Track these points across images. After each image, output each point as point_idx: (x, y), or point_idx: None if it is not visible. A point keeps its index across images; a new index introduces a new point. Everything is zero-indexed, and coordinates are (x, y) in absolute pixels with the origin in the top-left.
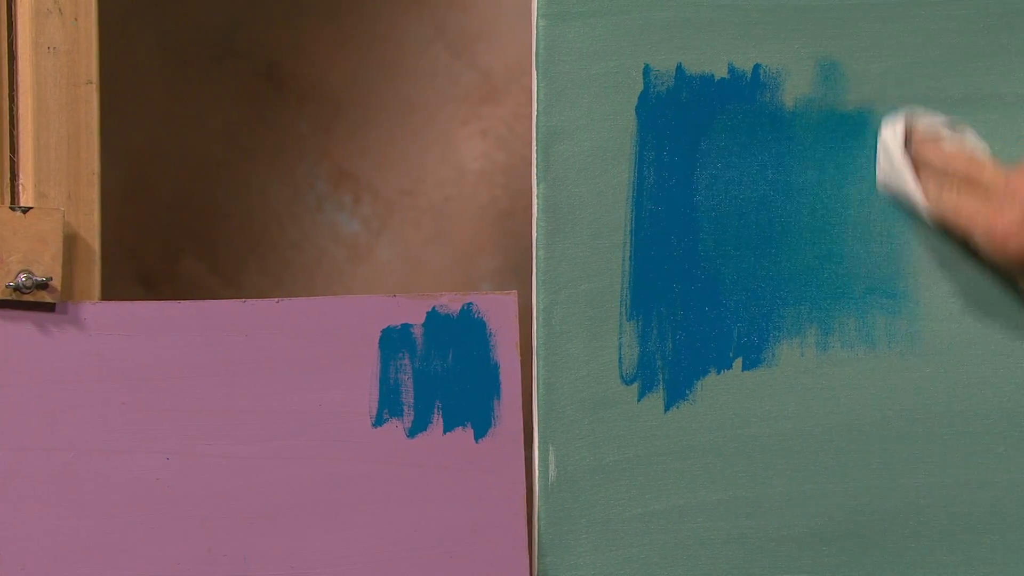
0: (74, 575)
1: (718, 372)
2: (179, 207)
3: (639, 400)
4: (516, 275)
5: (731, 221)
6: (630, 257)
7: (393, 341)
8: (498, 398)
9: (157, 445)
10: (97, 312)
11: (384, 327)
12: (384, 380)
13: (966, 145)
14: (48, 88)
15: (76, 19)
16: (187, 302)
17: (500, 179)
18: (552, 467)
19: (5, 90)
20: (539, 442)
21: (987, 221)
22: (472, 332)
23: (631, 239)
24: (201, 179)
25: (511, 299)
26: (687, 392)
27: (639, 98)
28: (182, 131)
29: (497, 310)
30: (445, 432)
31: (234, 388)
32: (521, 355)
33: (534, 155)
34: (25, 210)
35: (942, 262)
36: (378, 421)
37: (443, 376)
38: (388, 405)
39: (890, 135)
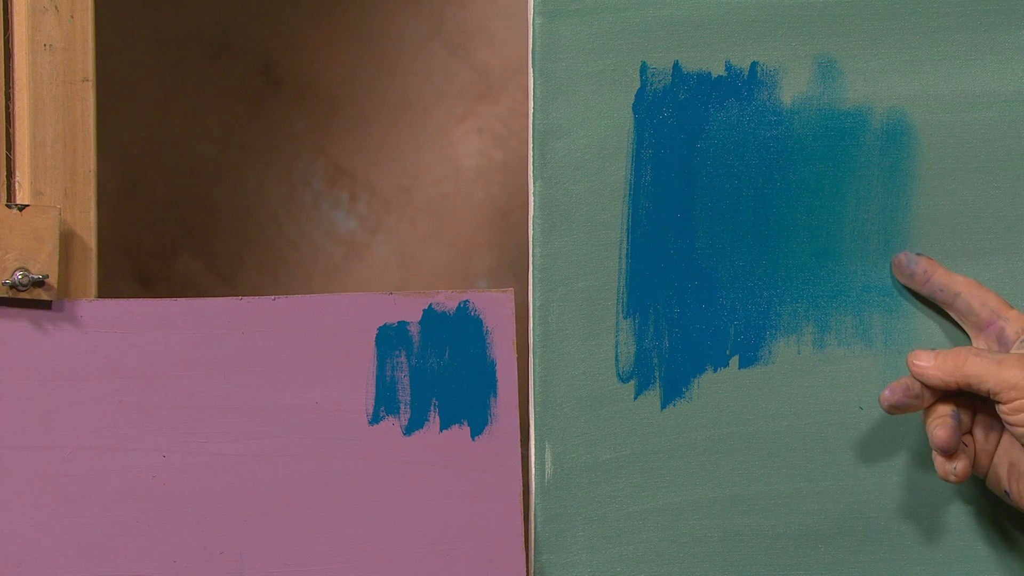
0: (70, 573)
1: (715, 370)
2: (175, 205)
3: (635, 398)
4: (512, 273)
5: (728, 219)
6: (626, 255)
7: (389, 339)
8: (494, 396)
9: (153, 442)
10: (93, 310)
11: (380, 325)
12: (380, 378)
13: None
14: (44, 85)
15: (72, 16)
16: (183, 300)
17: (496, 177)
18: (548, 465)
19: (1, 87)
20: (535, 440)
21: None
22: (468, 330)
23: (627, 237)
24: (197, 177)
25: (507, 297)
26: (684, 390)
27: (636, 96)
28: (178, 129)
29: (494, 308)
30: (442, 430)
31: (230, 386)
32: (517, 353)
33: (530, 153)
34: (21, 207)
35: (939, 260)
36: (374, 419)
37: (439, 374)
38: (384, 403)
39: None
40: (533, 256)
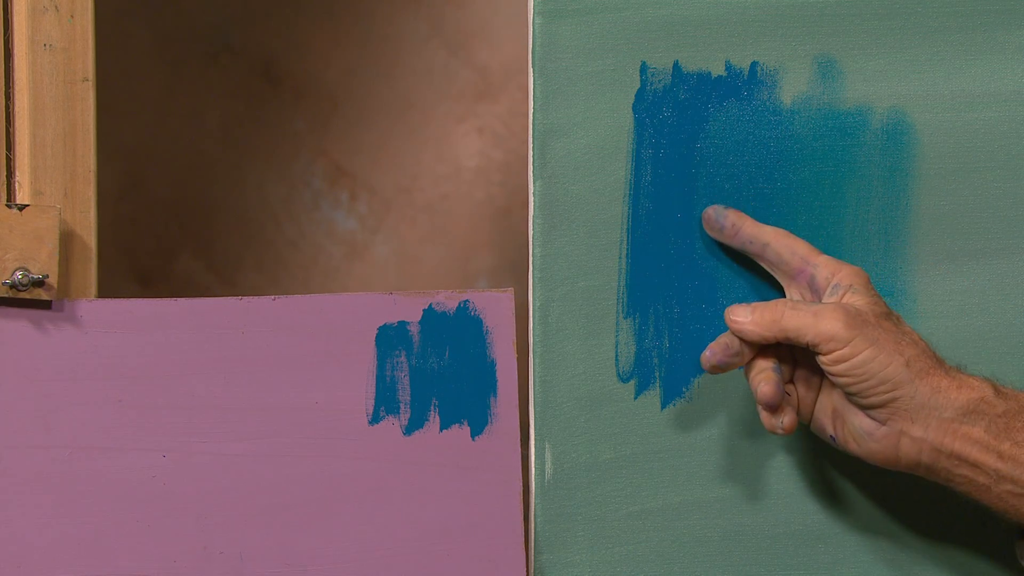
0: (70, 573)
1: None
2: (175, 205)
3: (635, 398)
4: (512, 272)
5: None
6: (626, 255)
7: (390, 338)
8: (494, 395)
9: (153, 443)
10: (93, 310)
11: (381, 324)
12: (380, 378)
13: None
14: (44, 85)
15: (72, 16)
16: (183, 299)
17: (496, 176)
18: (548, 464)
19: (1, 87)
20: (535, 439)
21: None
22: (469, 329)
23: (627, 237)
24: (197, 177)
25: (507, 296)
26: (684, 389)
27: (636, 96)
28: (178, 129)
29: (494, 307)
30: (442, 430)
31: (230, 385)
32: (517, 352)
33: (530, 152)
34: (21, 207)
35: (940, 260)
36: (375, 419)
37: (440, 374)
38: (384, 403)
39: None
40: (533, 256)
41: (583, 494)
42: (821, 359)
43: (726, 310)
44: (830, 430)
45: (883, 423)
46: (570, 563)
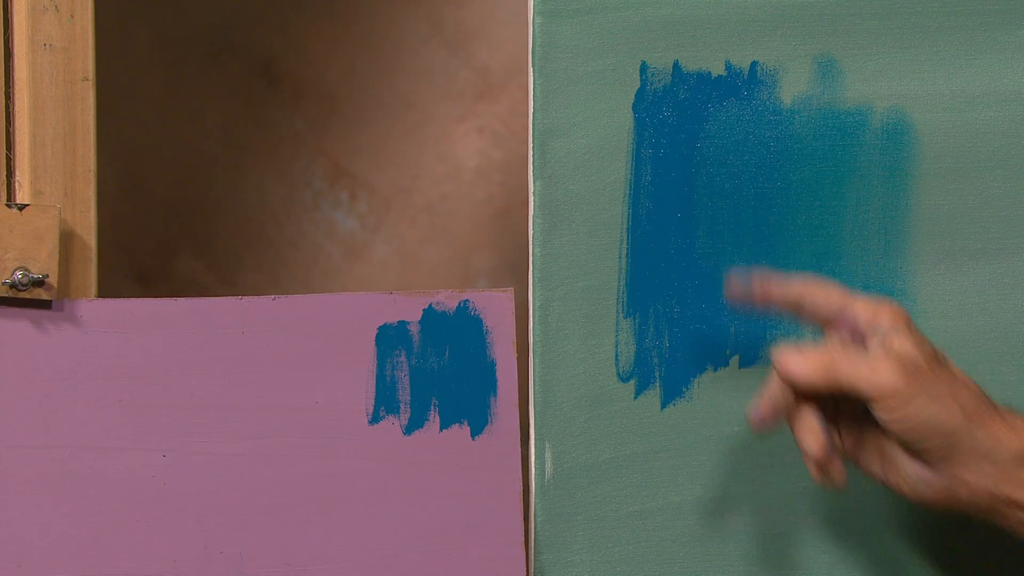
0: (70, 573)
1: (715, 369)
2: (175, 204)
3: (636, 397)
4: (512, 272)
5: (728, 218)
6: (626, 254)
7: (389, 338)
8: (495, 395)
9: (153, 442)
10: (93, 309)
11: (381, 324)
12: (380, 377)
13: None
14: (44, 85)
15: (72, 16)
16: (183, 299)
17: (496, 176)
18: (548, 464)
19: (1, 87)
20: (535, 439)
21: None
22: (469, 329)
23: (627, 236)
24: (197, 176)
25: (508, 296)
26: (684, 389)
27: (636, 95)
28: (178, 128)
29: (494, 307)
30: (442, 429)
31: (230, 385)
32: (517, 352)
33: (530, 152)
34: (21, 207)
35: (940, 260)
36: (374, 418)
37: (440, 373)
38: (384, 402)
39: None
40: (533, 256)
41: (583, 494)
42: (879, 414)
43: (773, 352)
44: (880, 474)
45: (938, 470)
46: (570, 563)
